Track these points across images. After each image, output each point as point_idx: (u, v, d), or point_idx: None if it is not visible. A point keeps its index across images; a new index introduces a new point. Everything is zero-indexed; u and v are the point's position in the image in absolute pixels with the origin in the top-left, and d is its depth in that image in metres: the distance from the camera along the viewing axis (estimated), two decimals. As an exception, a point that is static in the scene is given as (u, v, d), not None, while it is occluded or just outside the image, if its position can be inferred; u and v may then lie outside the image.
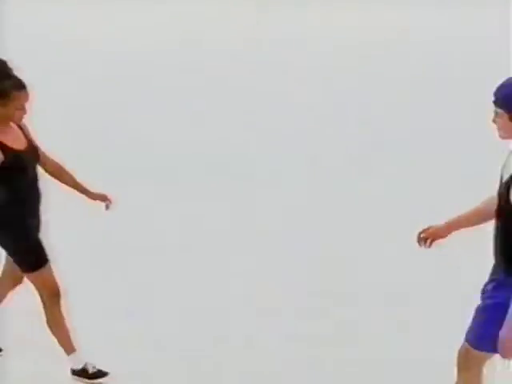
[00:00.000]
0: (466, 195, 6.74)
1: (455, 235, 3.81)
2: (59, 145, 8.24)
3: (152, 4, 15.63)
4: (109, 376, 4.52)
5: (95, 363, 4.52)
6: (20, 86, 4.25)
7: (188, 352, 4.63)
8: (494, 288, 3.65)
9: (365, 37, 13.15)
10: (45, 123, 8.93)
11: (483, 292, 3.78)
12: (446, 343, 4.10)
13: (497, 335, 3.69)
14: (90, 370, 4.51)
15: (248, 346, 4.76)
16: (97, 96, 9.90)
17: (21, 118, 4.31)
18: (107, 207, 4.58)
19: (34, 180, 4.39)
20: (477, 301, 3.69)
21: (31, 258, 4.36)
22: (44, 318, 4.64)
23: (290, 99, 9.68)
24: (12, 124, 4.30)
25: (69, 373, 4.47)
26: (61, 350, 4.60)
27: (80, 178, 4.56)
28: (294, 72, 11.06)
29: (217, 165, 7.60)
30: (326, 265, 5.79)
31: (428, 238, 3.85)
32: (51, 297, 4.43)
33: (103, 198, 4.61)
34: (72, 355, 4.50)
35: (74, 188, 4.61)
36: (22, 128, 4.40)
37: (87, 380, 4.52)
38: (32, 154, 4.37)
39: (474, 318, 3.75)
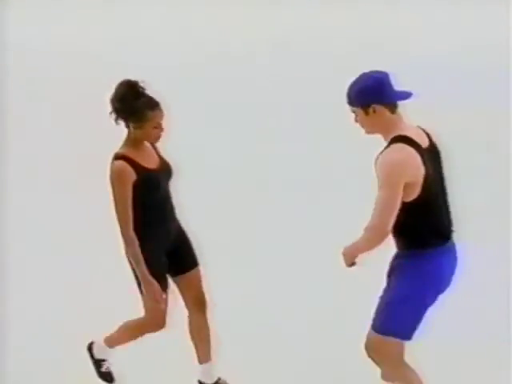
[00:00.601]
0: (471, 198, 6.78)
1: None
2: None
3: (157, 6, 15.65)
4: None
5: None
6: (154, 104, 4.23)
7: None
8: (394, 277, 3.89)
9: (362, 36, 13.13)
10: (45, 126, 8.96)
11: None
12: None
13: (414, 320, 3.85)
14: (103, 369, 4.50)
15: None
16: (98, 99, 9.89)
17: (158, 137, 4.29)
18: None
19: (166, 198, 4.33)
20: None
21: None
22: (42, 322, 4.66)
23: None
24: (146, 143, 4.29)
25: (69, 373, 4.47)
26: (61, 349, 4.61)
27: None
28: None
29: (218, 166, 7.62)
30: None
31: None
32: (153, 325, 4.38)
33: None
34: (201, 367, 4.46)
35: None
36: (154, 146, 4.37)
37: None
38: (164, 172, 4.32)
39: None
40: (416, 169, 3.74)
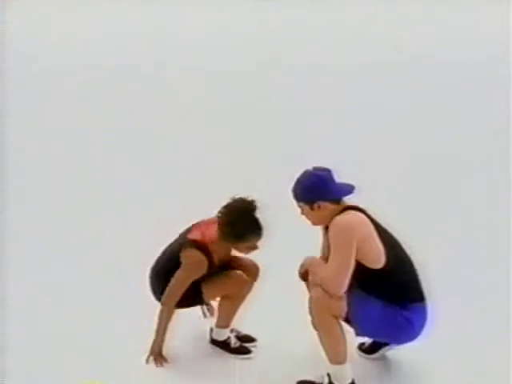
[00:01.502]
0: (469, 197, 6.77)
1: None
2: (59, 147, 8.29)
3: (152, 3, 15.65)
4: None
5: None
6: (259, 232, 4.32)
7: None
8: None
9: (362, 35, 13.15)
10: (48, 125, 8.95)
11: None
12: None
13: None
14: (232, 344, 4.61)
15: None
16: (97, 97, 9.91)
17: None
18: (204, 315, 4.64)
19: None
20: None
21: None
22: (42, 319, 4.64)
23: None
24: None
25: (69, 371, 4.46)
26: (61, 346, 4.60)
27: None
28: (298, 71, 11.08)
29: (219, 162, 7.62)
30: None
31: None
32: (236, 291, 4.52)
33: (212, 311, 4.67)
34: (217, 329, 4.62)
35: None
36: None
37: (229, 353, 4.60)
38: (221, 265, 4.53)
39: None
40: (366, 228, 3.98)
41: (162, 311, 4.41)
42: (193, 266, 4.37)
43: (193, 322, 4.69)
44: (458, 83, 10.44)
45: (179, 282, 4.38)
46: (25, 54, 12.12)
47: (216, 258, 4.43)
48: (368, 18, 14.47)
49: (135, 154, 7.92)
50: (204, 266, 4.37)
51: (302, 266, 4.26)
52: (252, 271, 4.57)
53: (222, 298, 4.58)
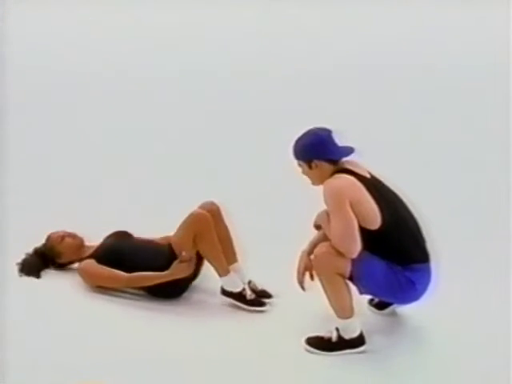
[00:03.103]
0: (469, 203, 6.78)
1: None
2: (57, 150, 8.29)
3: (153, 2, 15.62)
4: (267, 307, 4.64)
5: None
6: (62, 238, 5.14)
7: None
8: None
9: (363, 36, 13.12)
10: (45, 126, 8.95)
11: None
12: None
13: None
14: (248, 296, 4.63)
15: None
16: (96, 97, 9.90)
17: (76, 260, 5.13)
18: None
19: (131, 249, 5.11)
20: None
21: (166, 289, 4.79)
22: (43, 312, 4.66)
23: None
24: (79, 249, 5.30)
25: (69, 372, 4.47)
26: (61, 346, 4.62)
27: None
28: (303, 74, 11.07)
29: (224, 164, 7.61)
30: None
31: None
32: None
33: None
34: (225, 277, 4.68)
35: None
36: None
37: (244, 306, 4.63)
38: (105, 246, 5.28)
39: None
40: (356, 189, 4.05)
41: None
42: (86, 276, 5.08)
43: (205, 276, 4.84)
44: (457, 83, 10.43)
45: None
46: (24, 54, 12.10)
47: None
48: (368, 20, 14.44)
49: (135, 154, 7.93)
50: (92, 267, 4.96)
51: (316, 219, 4.34)
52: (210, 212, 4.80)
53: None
